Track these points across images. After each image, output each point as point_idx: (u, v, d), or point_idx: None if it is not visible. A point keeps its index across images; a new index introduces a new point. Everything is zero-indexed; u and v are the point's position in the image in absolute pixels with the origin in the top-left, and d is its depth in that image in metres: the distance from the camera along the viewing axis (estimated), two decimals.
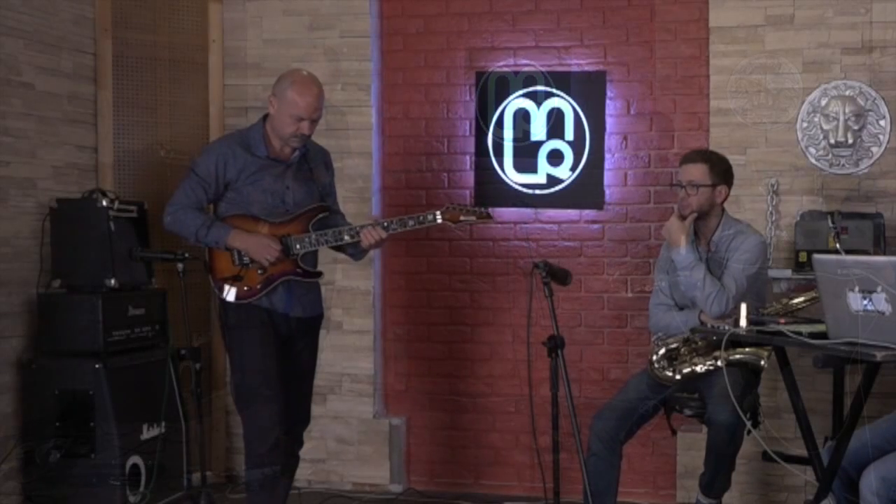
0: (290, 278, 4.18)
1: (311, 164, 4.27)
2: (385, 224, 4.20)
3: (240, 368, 4.14)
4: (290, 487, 4.34)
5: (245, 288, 4.14)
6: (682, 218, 4.28)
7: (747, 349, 4.18)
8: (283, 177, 4.19)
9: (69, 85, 5.13)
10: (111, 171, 5.30)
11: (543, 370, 3.94)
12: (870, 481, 3.25)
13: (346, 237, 4.19)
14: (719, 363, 4.02)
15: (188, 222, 4.14)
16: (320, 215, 4.24)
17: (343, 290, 5.59)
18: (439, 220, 4.20)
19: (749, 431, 3.93)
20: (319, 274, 4.30)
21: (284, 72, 4.32)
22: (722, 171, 4.32)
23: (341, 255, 5.54)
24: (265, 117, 4.22)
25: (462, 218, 4.20)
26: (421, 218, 4.21)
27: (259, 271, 4.14)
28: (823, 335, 3.32)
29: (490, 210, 4.34)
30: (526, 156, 5.45)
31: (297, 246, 4.17)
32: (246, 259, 4.13)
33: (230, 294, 4.14)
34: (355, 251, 4.33)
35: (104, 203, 4.80)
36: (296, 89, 4.11)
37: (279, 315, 4.18)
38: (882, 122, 4.89)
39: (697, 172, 4.29)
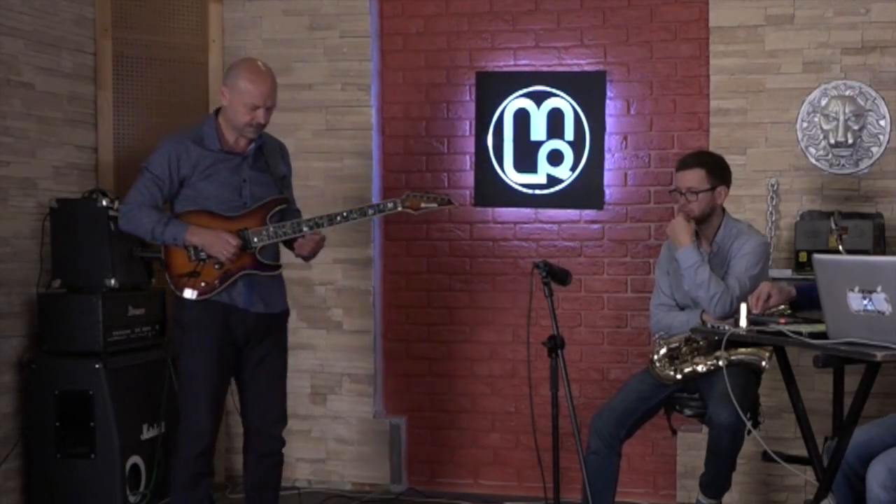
0: (249, 272, 4.10)
1: (268, 156, 4.19)
2: (344, 214, 4.14)
3: (185, 371, 4.07)
4: (279, 487, 4.31)
5: (203, 284, 4.05)
6: (687, 218, 4.28)
7: (748, 349, 4.18)
8: (240, 170, 4.11)
9: (69, 85, 5.13)
10: (111, 171, 5.30)
11: (543, 370, 3.94)
12: (877, 473, 3.25)
13: (305, 228, 4.10)
14: (720, 363, 4.02)
15: (144, 220, 4.04)
16: (278, 208, 4.16)
17: (343, 290, 5.59)
18: (399, 209, 4.16)
19: (749, 431, 3.93)
20: (279, 267, 4.22)
21: (234, 61, 4.25)
22: (719, 173, 4.30)
23: (342, 255, 5.58)
24: (217, 111, 4.15)
25: (423, 205, 4.16)
26: (381, 206, 4.17)
27: (216, 266, 4.05)
28: (823, 335, 3.32)
29: (451, 196, 4.26)
30: (526, 156, 5.46)
31: (255, 239, 4.07)
32: (202, 254, 4.04)
33: (190, 293, 4.04)
34: (306, 254, 4.25)
35: (104, 203, 4.80)
36: (248, 77, 4.03)
37: (239, 312, 4.09)
38: (882, 122, 4.89)
39: (695, 178, 4.27)
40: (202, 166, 4.07)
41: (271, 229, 4.10)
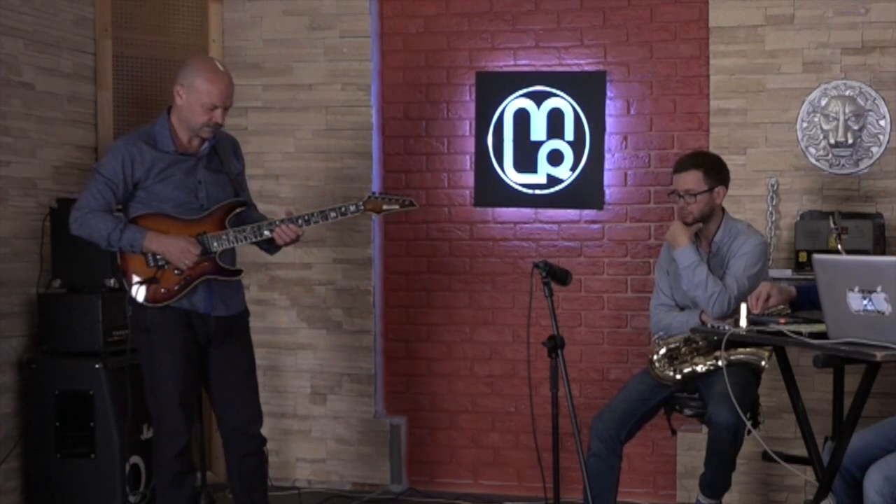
0: (209, 277, 4.05)
1: (221, 154, 4.11)
2: (306, 217, 4.08)
3: (151, 374, 4.03)
4: (266, 486, 4.29)
5: (162, 290, 3.98)
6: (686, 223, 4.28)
7: (748, 349, 4.18)
8: (195, 171, 4.04)
9: (69, 85, 5.13)
10: None
11: (543, 370, 3.94)
12: (874, 480, 3.25)
13: (266, 232, 4.05)
14: (720, 363, 4.02)
15: (98, 226, 3.94)
16: (237, 210, 4.10)
17: (343, 290, 5.59)
18: (361, 211, 4.11)
19: (749, 431, 3.93)
20: (239, 272, 4.16)
21: (189, 59, 4.15)
22: (716, 173, 4.29)
23: (341, 255, 5.59)
24: (169, 110, 4.08)
25: (385, 207, 4.12)
26: (343, 209, 4.10)
27: (176, 272, 3.98)
28: (823, 335, 3.32)
29: (413, 199, 4.19)
30: (526, 156, 5.45)
31: (215, 244, 4.01)
32: (161, 261, 3.97)
33: (140, 294, 3.98)
34: (270, 247, 4.20)
35: None
36: (207, 77, 3.95)
37: (199, 316, 4.05)
38: (882, 122, 4.89)
39: (692, 180, 4.25)
40: (157, 169, 3.99)
41: (231, 234, 4.04)
